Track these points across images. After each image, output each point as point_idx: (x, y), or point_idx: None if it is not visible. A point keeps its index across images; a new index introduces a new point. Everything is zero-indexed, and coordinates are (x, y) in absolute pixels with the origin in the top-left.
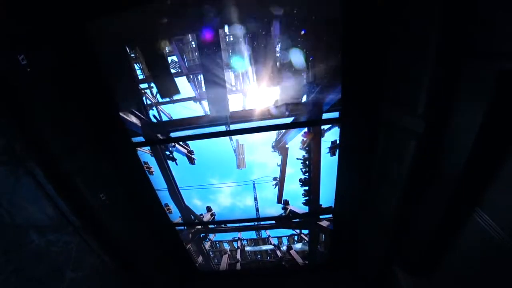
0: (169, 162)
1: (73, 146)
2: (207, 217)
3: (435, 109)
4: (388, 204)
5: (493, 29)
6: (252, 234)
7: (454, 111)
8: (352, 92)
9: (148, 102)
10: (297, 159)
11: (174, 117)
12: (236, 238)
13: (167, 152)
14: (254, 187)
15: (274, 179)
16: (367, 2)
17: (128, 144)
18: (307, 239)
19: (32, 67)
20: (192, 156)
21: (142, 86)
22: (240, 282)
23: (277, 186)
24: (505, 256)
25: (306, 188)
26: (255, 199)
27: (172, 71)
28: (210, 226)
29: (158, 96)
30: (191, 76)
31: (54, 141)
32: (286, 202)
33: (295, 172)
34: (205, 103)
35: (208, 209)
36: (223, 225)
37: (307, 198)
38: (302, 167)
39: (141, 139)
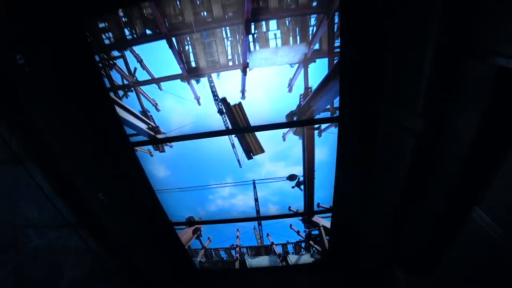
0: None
1: (72, 146)
2: (188, 233)
3: (435, 108)
4: (388, 203)
5: (493, 28)
6: (252, 241)
7: (454, 110)
8: (351, 91)
9: (125, 82)
10: None
11: (162, 107)
12: (234, 246)
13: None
14: (255, 187)
15: (291, 177)
16: (367, 2)
17: (127, 144)
18: (318, 247)
19: (31, 66)
20: (158, 135)
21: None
22: (240, 280)
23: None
24: (504, 255)
25: None
26: (256, 200)
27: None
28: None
29: (137, 74)
30: (173, 39)
31: (53, 141)
32: (310, 222)
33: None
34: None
35: (190, 222)
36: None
37: None
38: None
39: (140, 138)
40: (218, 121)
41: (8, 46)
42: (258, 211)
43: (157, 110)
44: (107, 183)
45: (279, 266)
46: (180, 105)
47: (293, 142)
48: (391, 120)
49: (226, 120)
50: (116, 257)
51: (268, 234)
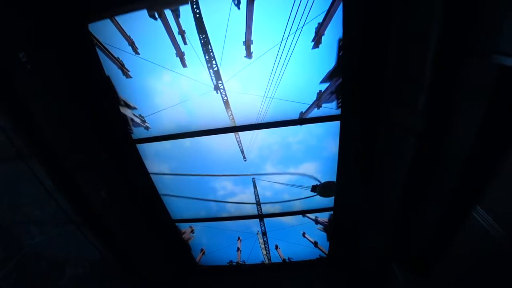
0: None
1: (74, 143)
2: (187, 232)
3: (435, 107)
4: (388, 202)
5: (494, 26)
6: (258, 256)
7: (454, 109)
8: (352, 91)
9: None
10: None
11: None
12: (233, 263)
13: None
14: (255, 186)
15: (325, 192)
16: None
17: (128, 141)
18: None
19: (33, 64)
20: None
21: None
22: (241, 278)
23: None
24: (505, 256)
25: None
26: (257, 202)
27: None
28: None
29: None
30: None
31: (55, 139)
32: None
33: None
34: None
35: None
36: None
37: None
38: None
39: (140, 136)
40: (213, 97)
41: (10, 43)
42: (260, 215)
43: (126, 76)
44: (109, 181)
45: (281, 265)
46: (160, 72)
47: (307, 132)
48: (392, 120)
49: (225, 95)
50: (118, 254)
51: (276, 246)
